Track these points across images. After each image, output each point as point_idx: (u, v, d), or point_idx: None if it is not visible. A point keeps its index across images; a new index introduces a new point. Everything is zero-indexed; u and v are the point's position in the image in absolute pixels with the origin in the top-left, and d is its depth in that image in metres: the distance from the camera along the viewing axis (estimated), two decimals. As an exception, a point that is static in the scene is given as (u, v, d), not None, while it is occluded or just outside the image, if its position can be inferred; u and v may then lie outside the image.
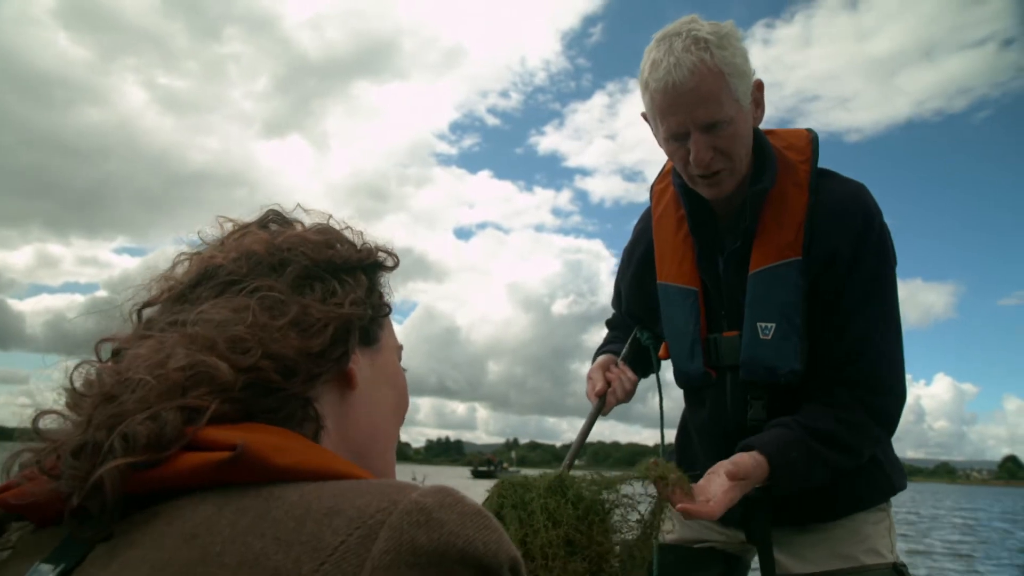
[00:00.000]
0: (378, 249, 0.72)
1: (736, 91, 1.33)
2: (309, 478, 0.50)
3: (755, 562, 1.64)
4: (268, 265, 0.63)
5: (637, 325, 1.74)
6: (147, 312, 0.65)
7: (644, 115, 1.45)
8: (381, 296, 0.71)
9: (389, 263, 0.73)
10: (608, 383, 1.60)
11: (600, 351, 1.82)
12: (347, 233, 0.72)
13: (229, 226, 0.71)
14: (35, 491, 0.52)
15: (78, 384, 0.58)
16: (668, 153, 1.45)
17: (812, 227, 1.41)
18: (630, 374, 1.63)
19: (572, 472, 1.24)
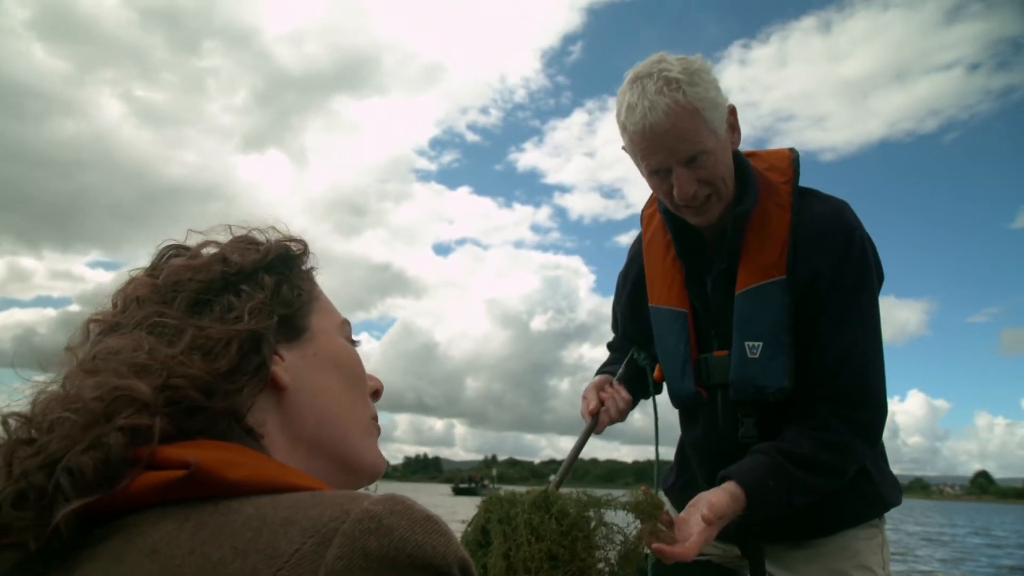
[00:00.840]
0: (280, 243, 0.71)
1: (712, 123, 1.37)
2: (264, 491, 0.51)
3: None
4: (154, 302, 0.63)
5: (634, 347, 1.78)
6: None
7: (624, 149, 1.49)
8: (297, 287, 0.70)
9: (295, 250, 0.72)
10: (602, 402, 1.63)
11: (599, 372, 1.85)
12: (256, 235, 0.71)
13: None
14: None
15: None
16: (652, 187, 1.49)
17: (795, 246, 1.44)
18: (624, 394, 1.65)
19: (560, 489, 1.25)
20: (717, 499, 1.30)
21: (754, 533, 1.51)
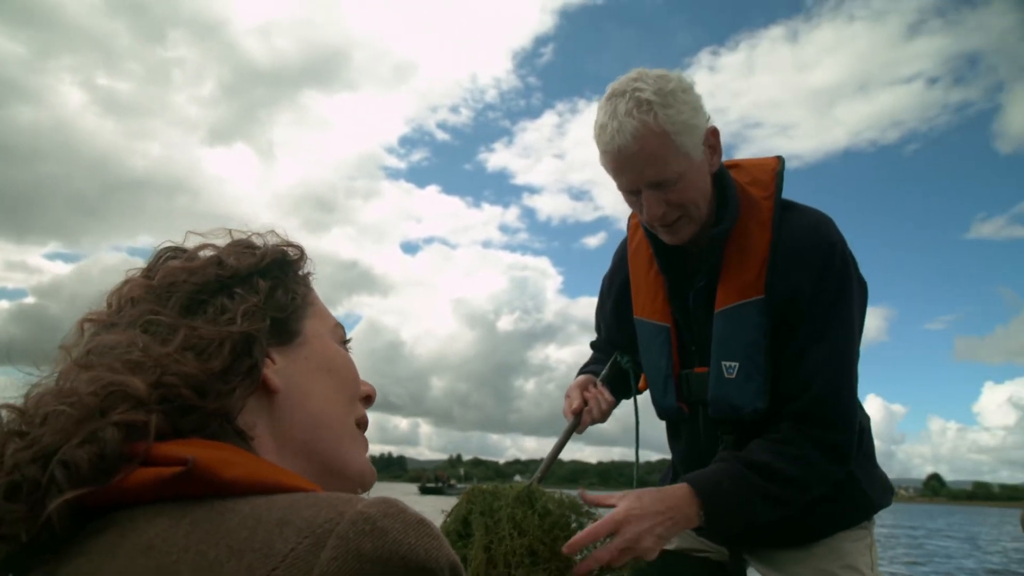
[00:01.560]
0: (277, 247, 0.71)
1: (684, 146, 1.34)
2: (258, 491, 0.52)
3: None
4: (148, 302, 0.63)
5: (618, 350, 1.77)
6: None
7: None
8: (292, 291, 0.70)
9: (292, 255, 0.72)
10: (585, 402, 1.62)
11: (581, 372, 1.84)
12: (255, 239, 0.72)
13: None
14: None
15: None
16: (628, 203, 1.48)
17: (774, 265, 1.42)
18: (607, 395, 1.64)
19: (541, 487, 1.25)
20: (666, 489, 1.30)
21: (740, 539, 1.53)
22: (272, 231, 0.73)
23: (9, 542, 0.50)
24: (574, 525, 1.18)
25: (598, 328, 1.91)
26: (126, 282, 0.67)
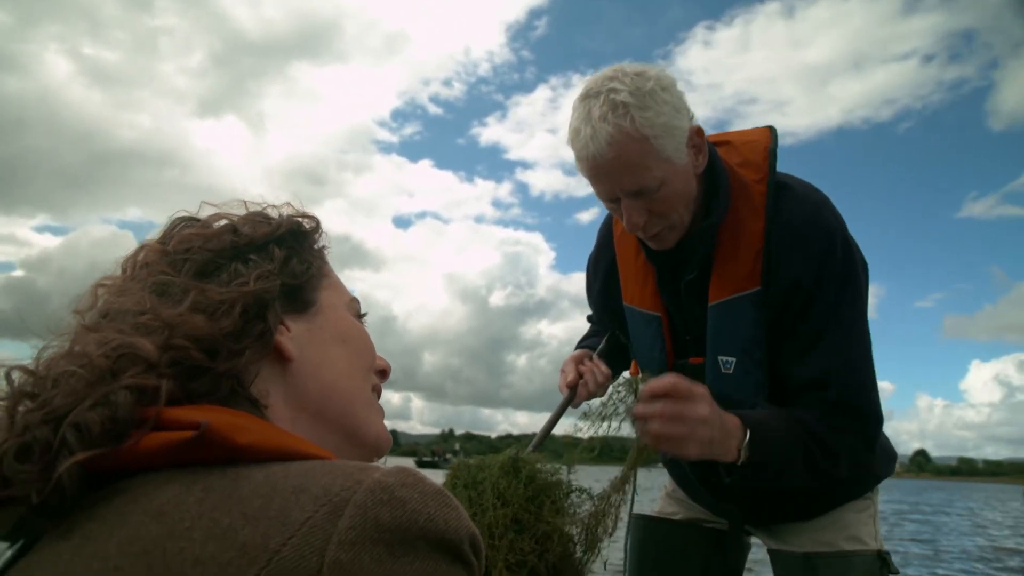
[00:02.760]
0: (292, 218, 0.72)
1: (665, 151, 1.24)
2: (272, 457, 0.51)
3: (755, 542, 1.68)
4: (164, 267, 0.63)
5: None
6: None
7: None
8: (307, 261, 0.70)
9: (307, 226, 0.73)
10: (580, 375, 1.58)
11: (579, 345, 1.79)
12: (270, 211, 0.72)
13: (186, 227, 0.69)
14: None
15: None
16: (608, 210, 1.41)
17: (769, 255, 1.34)
18: (603, 368, 1.60)
19: (528, 455, 1.24)
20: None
21: (736, 504, 1.51)
22: (288, 203, 0.74)
23: (20, 504, 0.50)
24: (565, 488, 1.18)
25: (591, 305, 1.85)
26: (141, 248, 0.67)
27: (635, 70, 1.26)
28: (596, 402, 1.54)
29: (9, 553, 0.49)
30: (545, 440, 1.45)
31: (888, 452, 1.60)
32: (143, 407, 0.51)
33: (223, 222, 0.69)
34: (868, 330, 1.39)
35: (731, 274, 1.37)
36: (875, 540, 1.51)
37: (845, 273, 1.34)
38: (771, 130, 1.46)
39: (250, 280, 0.63)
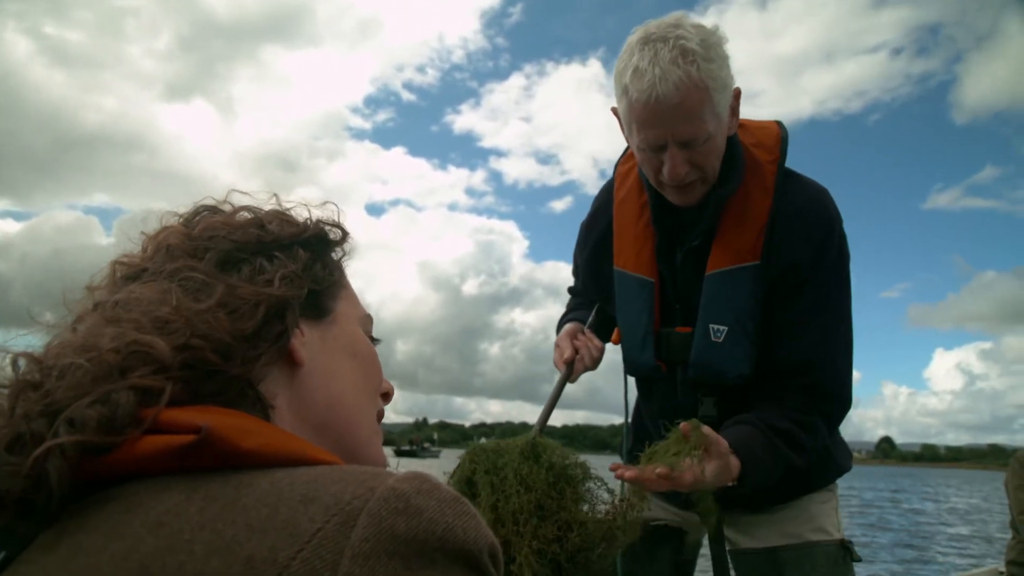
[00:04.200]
0: (320, 223, 0.70)
1: (718, 105, 1.28)
2: (276, 463, 0.48)
3: (706, 541, 1.67)
4: (185, 252, 0.61)
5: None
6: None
7: (615, 111, 1.41)
8: (329, 268, 0.69)
9: (333, 235, 0.71)
10: (576, 350, 1.58)
11: (565, 318, 1.80)
12: (296, 211, 0.70)
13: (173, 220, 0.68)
14: None
15: None
16: (640, 160, 1.41)
17: (772, 232, 1.39)
18: (597, 342, 1.61)
19: (544, 439, 1.23)
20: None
21: (710, 497, 1.51)
22: (319, 205, 0.72)
23: (5, 513, 0.47)
24: (581, 474, 1.18)
25: (575, 272, 1.86)
26: (163, 228, 0.65)
27: (694, 23, 1.29)
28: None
29: None
30: (548, 419, 1.44)
31: (845, 448, 1.67)
32: (144, 408, 0.49)
33: (247, 215, 0.67)
34: (851, 318, 1.45)
35: (733, 246, 1.41)
36: (838, 530, 1.57)
37: (839, 261, 1.41)
38: (780, 123, 1.51)
39: (275, 279, 0.61)
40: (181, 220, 0.66)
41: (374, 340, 0.74)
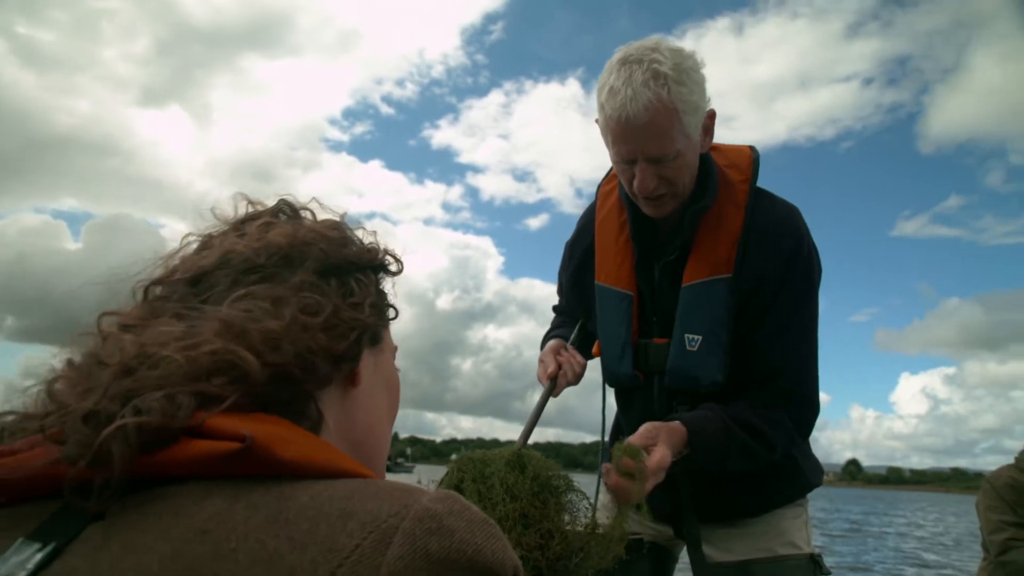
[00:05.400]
0: (386, 252, 0.73)
1: (688, 126, 1.37)
2: (316, 474, 0.50)
3: (683, 556, 1.74)
4: (285, 257, 0.63)
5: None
6: (155, 291, 0.63)
7: (598, 123, 1.48)
8: (386, 297, 0.72)
9: (393, 268, 0.74)
10: (559, 365, 1.63)
11: (549, 335, 1.87)
12: (359, 233, 0.73)
13: (243, 207, 0.70)
14: (31, 464, 0.49)
15: (76, 356, 0.56)
16: (617, 171, 1.51)
17: (745, 246, 1.48)
18: (579, 358, 1.66)
19: (529, 450, 1.26)
20: (672, 428, 1.38)
21: (691, 513, 1.59)
22: (375, 231, 0.74)
23: (52, 497, 0.49)
24: (562, 486, 1.21)
25: (560, 290, 1.93)
26: (271, 223, 0.66)
27: (671, 47, 1.38)
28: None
29: (40, 556, 0.46)
30: (532, 431, 1.46)
31: (816, 464, 1.73)
32: (200, 411, 0.50)
33: (331, 228, 0.69)
34: (817, 327, 1.54)
35: (708, 259, 1.50)
36: (807, 544, 1.63)
37: (807, 276, 1.50)
38: (753, 148, 1.62)
39: (365, 305, 0.64)
40: (265, 218, 0.68)
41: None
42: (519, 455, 1.21)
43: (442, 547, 0.46)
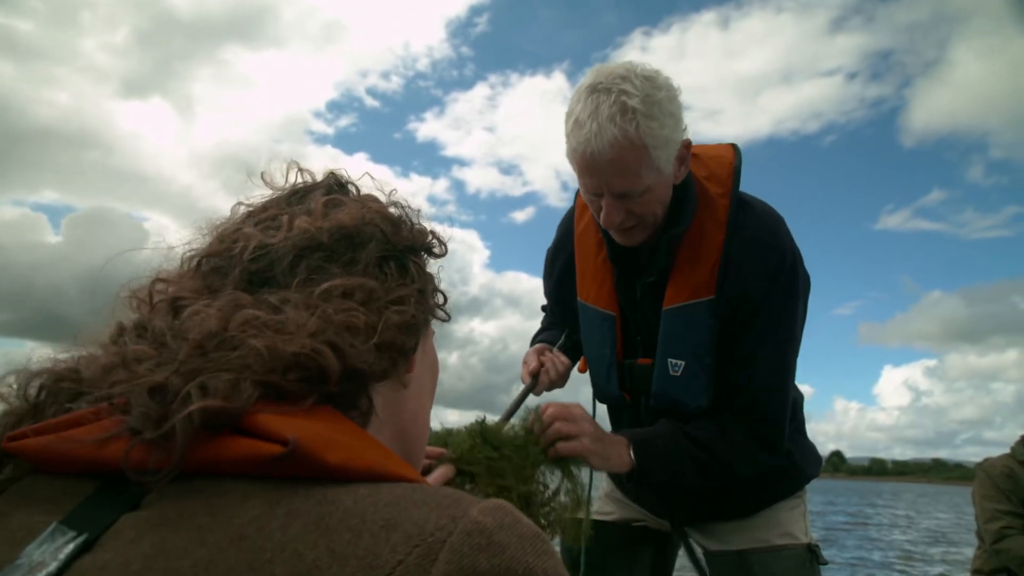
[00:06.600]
0: (433, 233, 0.71)
1: (657, 161, 1.28)
2: (361, 478, 0.48)
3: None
4: (352, 240, 0.61)
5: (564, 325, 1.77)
6: (209, 263, 0.60)
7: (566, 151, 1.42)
8: (435, 281, 0.71)
9: (438, 251, 0.71)
10: (541, 364, 1.61)
11: (536, 338, 1.84)
12: (408, 211, 0.71)
13: (295, 175, 0.69)
14: (83, 438, 0.47)
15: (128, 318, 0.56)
16: (585, 200, 1.44)
17: (726, 266, 1.41)
18: (563, 359, 1.64)
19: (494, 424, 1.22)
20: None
21: (682, 509, 1.62)
22: (419, 209, 0.72)
23: (98, 480, 0.48)
24: (530, 460, 1.18)
25: (547, 295, 1.90)
26: (339, 203, 0.64)
27: (646, 73, 1.27)
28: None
29: (71, 547, 0.44)
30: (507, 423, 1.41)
31: (814, 455, 1.73)
32: (261, 402, 0.49)
33: (383, 205, 0.68)
34: (796, 344, 1.48)
35: (688, 281, 1.43)
36: (805, 535, 1.63)
37: (787, 292, 1.43)
38: (735, 148, 1.52)
39: (428, 292, 0.63)
40: (320, 192, 0.66)
41: None
42: (482, 427, 1.16)
43: (491, 564, 0.43)
